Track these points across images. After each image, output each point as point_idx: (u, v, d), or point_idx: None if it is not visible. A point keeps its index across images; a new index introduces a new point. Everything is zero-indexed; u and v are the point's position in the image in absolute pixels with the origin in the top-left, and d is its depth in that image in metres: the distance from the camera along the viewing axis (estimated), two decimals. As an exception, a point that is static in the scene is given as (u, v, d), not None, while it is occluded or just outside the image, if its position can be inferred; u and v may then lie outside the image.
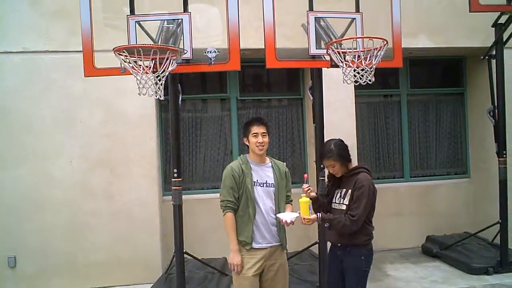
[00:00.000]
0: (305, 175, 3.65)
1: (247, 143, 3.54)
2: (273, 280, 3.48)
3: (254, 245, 3.40)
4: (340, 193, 3.51)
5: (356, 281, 3.45)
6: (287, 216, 3.32)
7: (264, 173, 3.50)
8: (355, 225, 3.30)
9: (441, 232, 7.16)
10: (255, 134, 3.46)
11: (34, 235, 5.76)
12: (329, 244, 3.79)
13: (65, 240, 5.82)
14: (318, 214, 3.36)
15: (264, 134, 3.48)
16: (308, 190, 3.48)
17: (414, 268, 6.26)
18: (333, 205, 3.56)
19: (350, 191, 3.41)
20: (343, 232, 3.36)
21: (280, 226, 3.46)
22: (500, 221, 5.93)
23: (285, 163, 3.70)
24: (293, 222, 3.30)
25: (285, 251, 3.60)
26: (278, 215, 3.38)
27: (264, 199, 3.44)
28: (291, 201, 3.65)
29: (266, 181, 3.48)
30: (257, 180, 3.44)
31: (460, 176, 7.71)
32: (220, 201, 3.47)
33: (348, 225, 3.29)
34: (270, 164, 3.57)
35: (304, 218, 3.29)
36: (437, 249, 6.62)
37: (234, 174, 3.41)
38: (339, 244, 3.50)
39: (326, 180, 3.57)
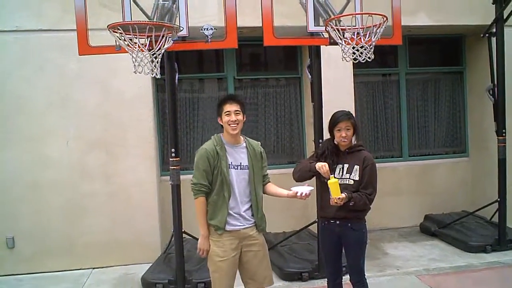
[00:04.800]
0: None
1: (220, 123, 3.37)
2: (254, 260, 3.36)
3: (227, 228, 3.27)
4: (342, 168, 3.51)
5: (361, 254, 3.59)
6: (303, 189, 3.24)
7: (238, 155, 3.36)
8: (371, 202, 3.46)
9: (439, 211, 7.18)
10: (227, 113, 3.27)
11: (32, 217, 5.74)
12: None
13: (63, 221, 5.80)
14: (346, 193, 3.33)
15: (237, 112, 3.28)
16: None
17: (412, 246, 6.29)
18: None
19: (357, 166, 3.45)
20: (361, 209, 3.45)
21: (258, 208, 3.35)
22: (498, 199, 5.95)
23: (259, 143, 3.55)
24: (309, 195, 3.26)
25: (263, 232, 3.45)
26: (293, 188, 3.28)
27: (238, 182, 3.31)
28: (269, 179, 3.54)
29: (241, 163, 3.34)
30: (231, 163, 3.31)
31: (458, 155, 7.70)
32: (192, 184, 3.36)
33: (367, 203, 3.42)
34: (244, 145, 3.42)
35: (338, 198, 3.25)
36: (435, 227, 6.64)
37: (209, 156, 3.27)
38: (338, 222, 3.51)
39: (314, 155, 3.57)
